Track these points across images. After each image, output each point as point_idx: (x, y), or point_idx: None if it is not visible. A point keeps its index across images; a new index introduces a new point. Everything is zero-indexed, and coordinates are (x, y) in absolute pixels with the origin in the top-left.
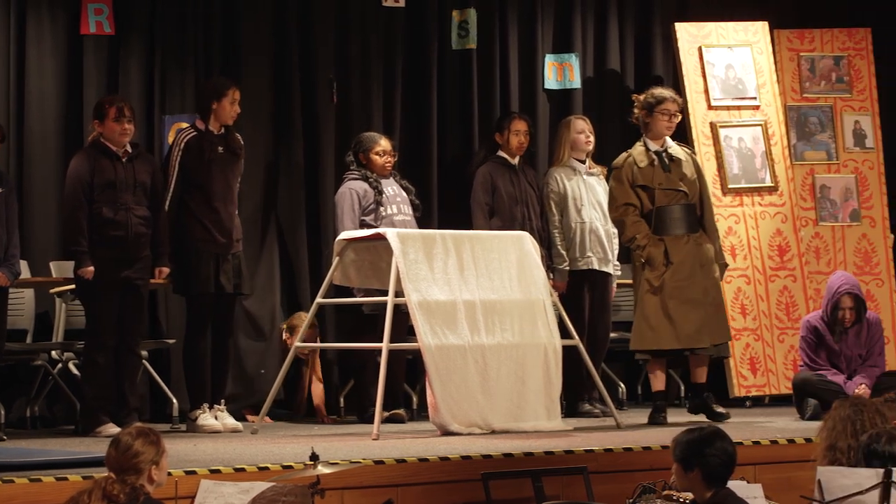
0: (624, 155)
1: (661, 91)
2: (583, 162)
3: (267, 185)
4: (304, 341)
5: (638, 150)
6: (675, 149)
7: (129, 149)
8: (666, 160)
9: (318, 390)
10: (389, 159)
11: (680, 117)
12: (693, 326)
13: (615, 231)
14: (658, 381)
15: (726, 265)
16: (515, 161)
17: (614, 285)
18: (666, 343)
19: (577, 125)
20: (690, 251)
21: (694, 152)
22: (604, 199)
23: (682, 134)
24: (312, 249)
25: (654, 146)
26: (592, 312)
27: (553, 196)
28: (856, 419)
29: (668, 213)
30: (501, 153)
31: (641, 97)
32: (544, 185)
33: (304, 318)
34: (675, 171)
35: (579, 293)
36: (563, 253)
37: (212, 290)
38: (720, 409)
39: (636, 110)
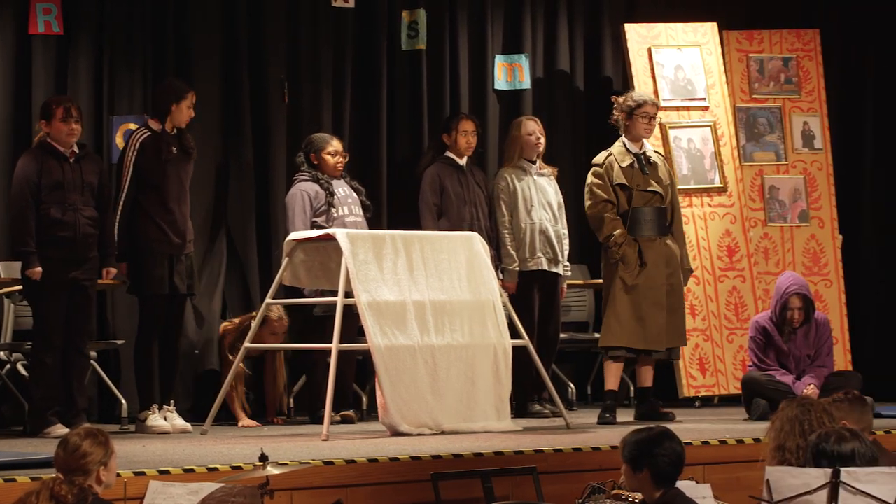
0: (605, 153)
1: (640, 94)
2: (533, 162)
3: (217, 185)
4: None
5: (618, 149)
6: (652, 154)
7: (76, 149)
8: (644, 162)
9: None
10: (341, 160)
11: (659, 120)
12: (658, 329)
13: (565, 232)
14: (612, 380)
15: (691, 271)
16: (463, 161)
17: (564, 286)
18: (634, 342)
19: (527, 126)
20: (661, 254)
21: (665, 157)
22: (554, 199)
23: None
24: (262, 250)
25: (633, 148)
26: (542, 313)
27: (503, 196)
28: (803, 419)
29: (642, 215)
30: (449, 154)
31: (621, 99)
32: (494, 185)
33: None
34: (652, 174)
35: (529, 294)
36: (513, 253)
37: (166, 292)
38: (665, 411)
39: (615, 112)
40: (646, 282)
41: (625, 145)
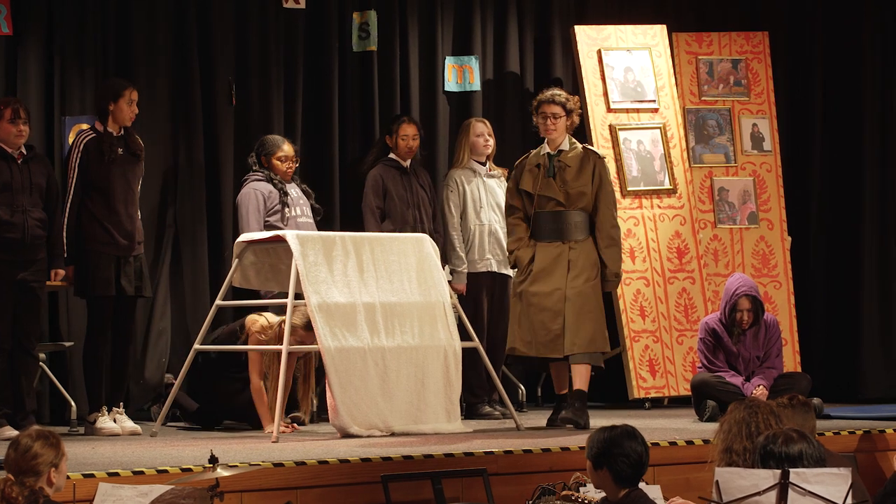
0: (523, 157)
1: (543, 94)
2: (483, 164)
3: (166, 186)
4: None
5: (534, 152)
6: (573, 154)
7: (24, 151)
8: (554, 165)
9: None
10: (291, 165)
11: (566, 119)
12: (550, 335)
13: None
14: (556, 384)
15: (619, 276)
16: (407, 164)
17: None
18: (522, 347)
19: (476, 128)
20: (557, 258)
21: (600, 157)
22: (503, 200)
23: (582, 136)
24: (213, 251)
25: (546, 149)
26: (491, 315)
27: (452, 198)
28: (750, 421)
29: (540, 220)
30: (392, 156)
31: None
32: (444, 186)
33: (263, 321)
34: (560, 178)
35: (478, 295)
36: (462, 255)
37: (112, 293)
38: (578, 419)
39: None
40: (533, 287)
41: (545, 147)
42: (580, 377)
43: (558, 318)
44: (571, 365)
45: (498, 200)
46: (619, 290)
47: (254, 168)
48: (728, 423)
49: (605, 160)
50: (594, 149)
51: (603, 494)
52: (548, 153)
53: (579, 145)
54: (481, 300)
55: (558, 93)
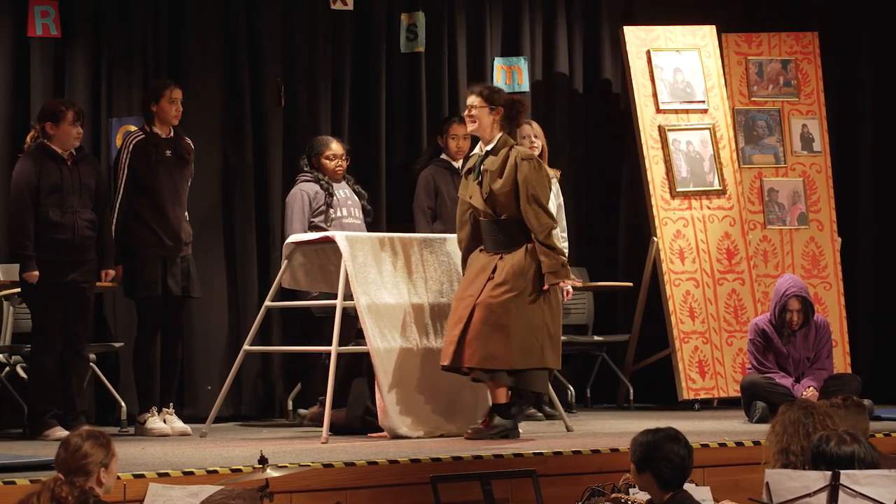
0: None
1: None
2: None
3: (215, 187)
4: None
5: (476, 151)
6: (499, 156)
7: (73, 152)
8: (480, 170)
9: None
10: (341, 163)
11: (490, 112)
12: (450, 345)
13: (564, 235)
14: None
15: (555, 283)
16: (458, 164)
17: (569, 288)
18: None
19: (522, 130)
20: (483, 267)
21: (526, 157)
22: (553, 202)
23: (631, 137)
24: (261, 251)
25: (478, 150)
26: None
27: None
28: (807, 422)
29: (478, 227)
30: (444, 156)
31: None
32: None
33: None
34: (485, 182)
35: None
36: None
37: (159, 293)
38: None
39: None
40: (456, 295)
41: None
42: (490, 393)
43: (459, 325)
44: (469, 376)
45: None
46: (668, 291)
47: (304, 169)
48: (783, 423)
49: (535, 160)
50: (523, 147)
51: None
52: (479, 154)
53: (510, 144)
54: None
55: (486, 84)
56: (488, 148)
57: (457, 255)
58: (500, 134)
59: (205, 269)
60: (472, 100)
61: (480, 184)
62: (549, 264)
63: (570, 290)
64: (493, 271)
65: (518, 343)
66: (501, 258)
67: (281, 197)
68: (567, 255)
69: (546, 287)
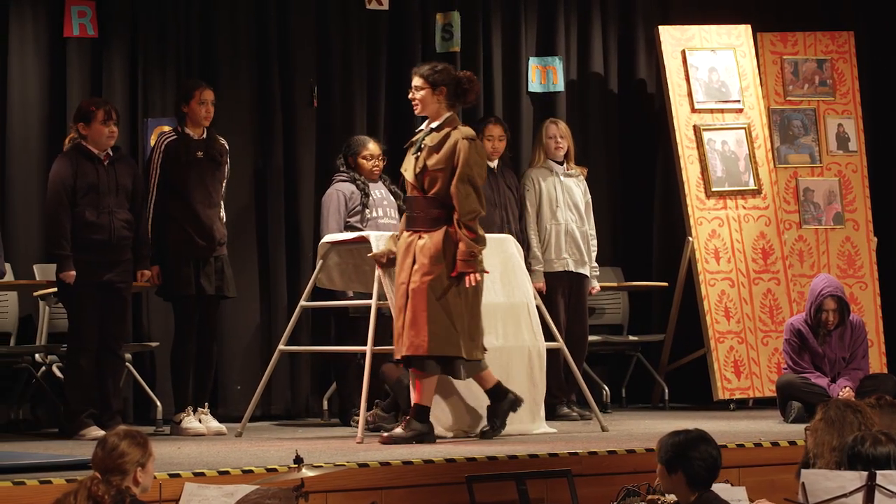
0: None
1: None
2: (560, 163)
3: (246, 188)
4: None
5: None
6: (440, 134)
7: (110, 152)
8: (420, 145)
9: None
10: (377, 163)
11: (431, 91)
12: (399, 339)
13: (593, 233)
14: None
15: (465, 272)
16: (494, 164)
17: (595, 287)
18: None
19: (548, 130)
20: (407, 249)
21: (466, 137)
22: (581, 200)
23: (666, 136)
24: (290, 252)
25: (423, 125)
26: (568, 314)
27: (529, 197)
28: (861, 422)
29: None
30: None
31: None
32: (521, 186)
33: None
34: (420, 159)
35: (554, 295)
36: (539, 254)
37: (192, 293)
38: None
39: None
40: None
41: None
42: (413, 390)
43: (400, 315)
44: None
45: (575, 200)
46: (703, 291)
47: (340, 169)
48: (825, 422)
49: (476, 141)
50: (465, 129)
51: None
52: (423, 130)
53: (456, 125)
54: (557, 300)
55: (431, 63)
56: (433, 125)
57: (492, 255)
58: (448, 113)
59: (235, 269)
60: (415, 81)
61: (417, 158)
62: (462, 251)
63: (597, 287)
64: (415, 254)
65: (439, 329)
66: (420, 237)
67: (313, 198)
68: (595, 253)
69: (454, 274)
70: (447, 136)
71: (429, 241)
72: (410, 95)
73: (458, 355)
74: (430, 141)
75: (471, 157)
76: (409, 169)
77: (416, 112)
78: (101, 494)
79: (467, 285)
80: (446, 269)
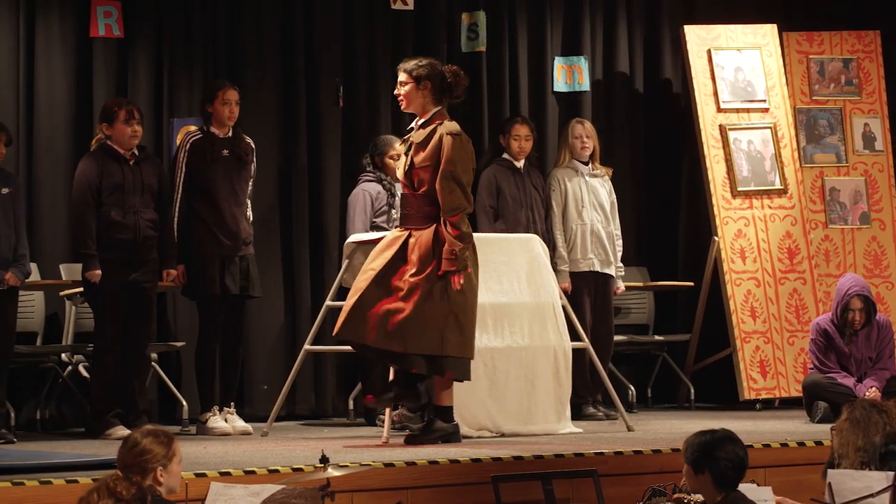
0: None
1: None
2: (585, 163)
3: (271, 187)
4: None
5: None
6: (427, 130)
7: (135, 151)
8: (413, 143)
9: None
10: None
11: (416, 87)
12: (343, 316)
13: (618, 233)
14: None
15: (449, 271)
16: (520, 164)
17: (620, 287)
18: None
19: (574, 130)
20: (392, 241)
21: (451, 133)
22: (606, 200)
23: (692, 135)
24: (314, 251)
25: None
26: (594, 314)
27: (554, 197)
28: (878, 420)
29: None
30: (506, 156)
31: None
32: (547, 186)
33: None
34: (408, 157)
35: (580, 295)
36: (564, 254)
37: (217, 292)
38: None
39: None
40: (363, 267)
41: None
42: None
43: (353, 296)
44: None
45: (600, 200)
46: (729, 291)
47: (367, 168)
48: (850, 422)
49: (461, 136)
50: (451, 123)
51: None
52: (412, 128)
53: (442, 120)
54: (583, 300)
55: (417, 58)
56: (421, 122)
57: (518, 254)
58: (435, 109)
59: (260, 269)
60: (400, 76)
61: (407, 156)
62: (445, 249)
63: (622, 287)
64: (402, 248)
65: (420, 325)
66: (411, 234)
67: (338, 198)
68: (621, 253)
69: (440, 273)
70: (433, 132)
71: (419, 240)
72: (396, 91)
73: (439, 353)
74: (416, 138)
75: (454, 153)
76: (400, 168)
77: (401, 108)
78: (121, 491)
79: (454, 287)
80: (436, 268)
